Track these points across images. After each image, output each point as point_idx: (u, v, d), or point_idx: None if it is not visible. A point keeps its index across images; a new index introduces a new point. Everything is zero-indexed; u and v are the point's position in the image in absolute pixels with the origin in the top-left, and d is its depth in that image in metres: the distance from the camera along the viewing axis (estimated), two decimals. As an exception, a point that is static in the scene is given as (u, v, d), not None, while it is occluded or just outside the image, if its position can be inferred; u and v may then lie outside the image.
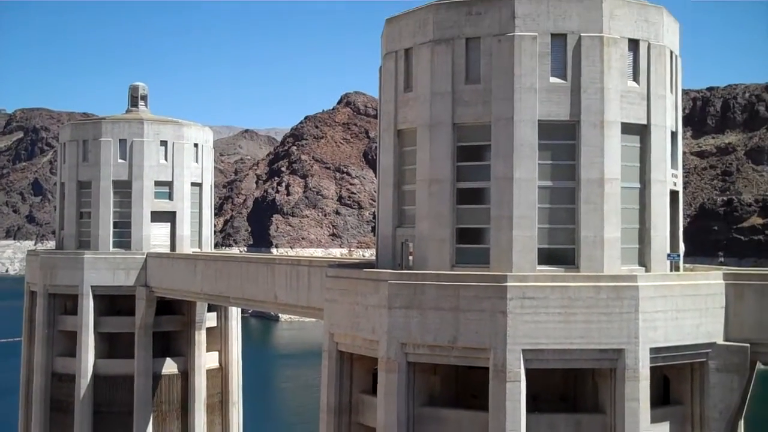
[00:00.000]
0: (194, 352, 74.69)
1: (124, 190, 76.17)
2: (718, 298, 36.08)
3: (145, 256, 73.60)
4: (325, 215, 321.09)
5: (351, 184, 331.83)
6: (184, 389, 75.29)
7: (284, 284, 54.60)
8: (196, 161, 79.05)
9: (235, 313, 77.93)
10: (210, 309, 75.71)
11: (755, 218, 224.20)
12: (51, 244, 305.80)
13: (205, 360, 75.50)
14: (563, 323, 33.21)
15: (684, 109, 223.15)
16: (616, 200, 35.59)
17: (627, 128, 36.10)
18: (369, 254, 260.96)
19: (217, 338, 77.19)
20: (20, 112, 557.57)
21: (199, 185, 79.30)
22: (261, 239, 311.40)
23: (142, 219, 75.77)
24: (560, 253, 35.69)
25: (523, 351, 33.13)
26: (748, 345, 35.46)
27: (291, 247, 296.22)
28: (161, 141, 76.81)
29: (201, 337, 74.96)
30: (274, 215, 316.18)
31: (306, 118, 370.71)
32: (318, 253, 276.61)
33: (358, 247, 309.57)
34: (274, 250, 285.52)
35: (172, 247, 76.86)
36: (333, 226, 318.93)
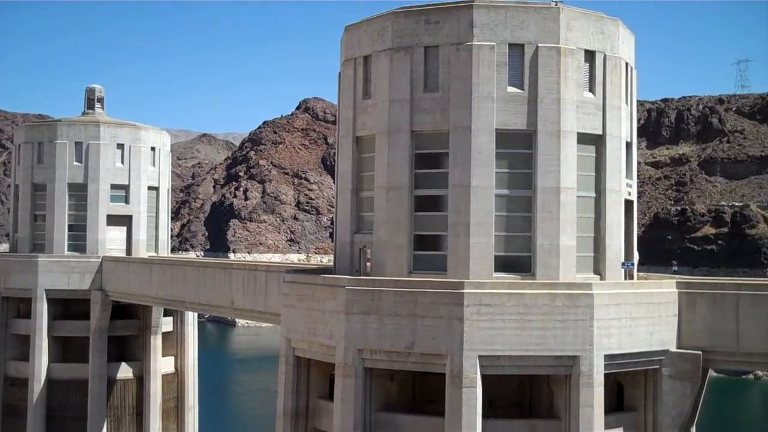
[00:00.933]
0: (150, 356, 74.12)
1: (79, 193, 75.46)
2: (672, 306, 36.58)
3: (100, 260, 72.94)
4: (283, 221, 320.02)
5: (309, 190, 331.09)
6: (140, 394, 74.79)
7: (241, 289, 54.43)
8: (153, 165, 78.50)
9: (191, 318, 77.50)
10: (166, 314, 75.23)
11: (708, 228, 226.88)
12: (4, 247, 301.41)
13: (161, 365, 74.99)
14: (519, 330, 33.52)
15: (639, 120, 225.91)
16: (572, 209, 35.99)
17: (583, 138, 36.55)
18: (327, 260, 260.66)
19: (173, 343, 76.65)
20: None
21: (156, 189, 78.80)
22: (218, 244, 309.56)
23: (98, 222, 75.10)
24: (517, 260, 36.01)
25: (480, 357, 33.39)
26: (701, 352, 36.03)
27: (248, 252, 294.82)
28: (118, 144, 76.19)
29: (157, 342, 74.41)
30: (231, 220, 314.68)
31: (264, 123, 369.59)
32: (276, 258, 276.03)
33: (315, 253, 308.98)
34: (231, 255, 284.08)
35: (128, 251, 76.20)
36: (291, 231, 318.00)
